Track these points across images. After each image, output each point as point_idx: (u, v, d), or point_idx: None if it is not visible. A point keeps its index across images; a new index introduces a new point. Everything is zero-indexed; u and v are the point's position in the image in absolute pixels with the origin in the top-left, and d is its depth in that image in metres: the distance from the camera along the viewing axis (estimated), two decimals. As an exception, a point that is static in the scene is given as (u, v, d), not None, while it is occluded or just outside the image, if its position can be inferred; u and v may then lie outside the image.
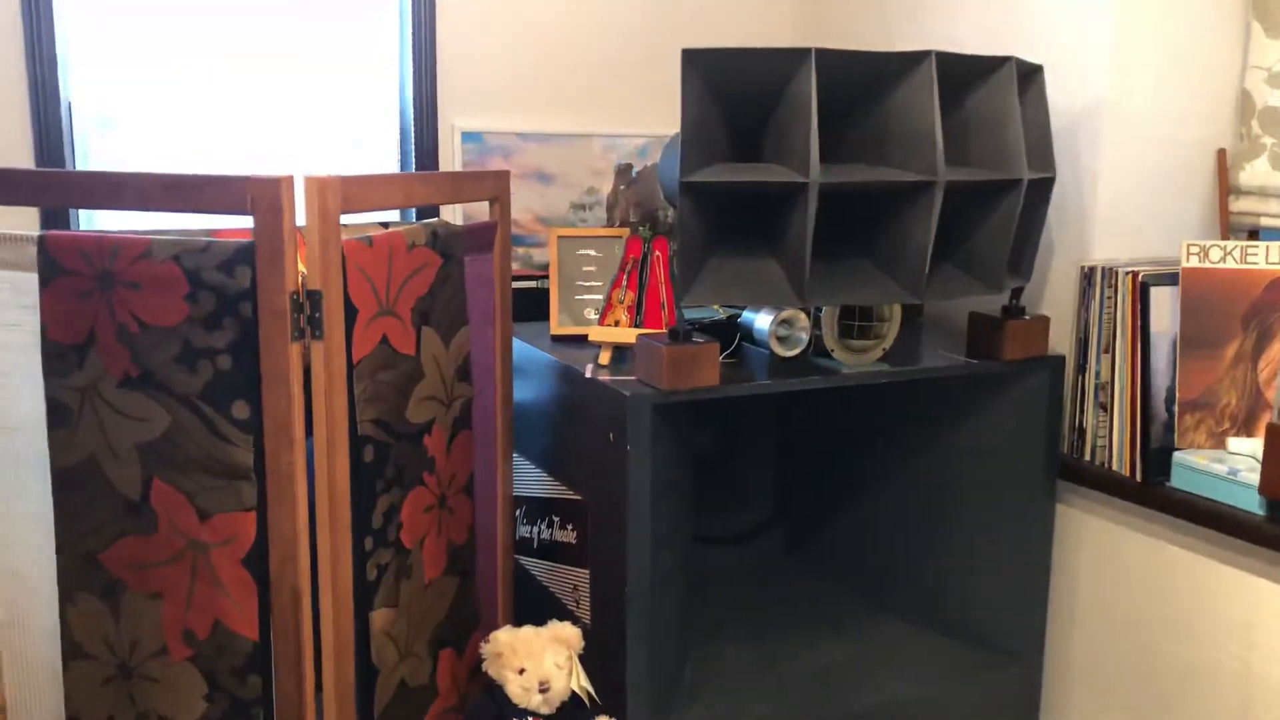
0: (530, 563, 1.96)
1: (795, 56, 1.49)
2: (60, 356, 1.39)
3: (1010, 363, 1.84)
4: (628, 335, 1.69)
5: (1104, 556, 1.92)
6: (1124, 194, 1.92)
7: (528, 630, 1.57)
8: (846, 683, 1.88)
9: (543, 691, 1.51)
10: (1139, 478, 1.81)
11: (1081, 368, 1.91)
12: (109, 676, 1.46)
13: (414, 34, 2.24)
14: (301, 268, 1.32)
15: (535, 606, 1.90)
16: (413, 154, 2.30)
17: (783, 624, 2.06)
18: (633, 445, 1.57)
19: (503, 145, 2.37)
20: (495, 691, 1.54)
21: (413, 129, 2.28)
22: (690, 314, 1.85)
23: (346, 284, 1.35)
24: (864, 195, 1.61)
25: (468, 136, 2.33)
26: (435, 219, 1.60)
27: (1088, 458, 1.91)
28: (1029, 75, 1.75)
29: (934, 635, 2.04)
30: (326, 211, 1.29)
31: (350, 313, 1.36)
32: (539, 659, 1.52)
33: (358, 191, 1.35)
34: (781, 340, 1.70)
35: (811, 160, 1.49)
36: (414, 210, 2.25)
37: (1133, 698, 1.88)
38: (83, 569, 1.44)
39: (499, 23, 2.33)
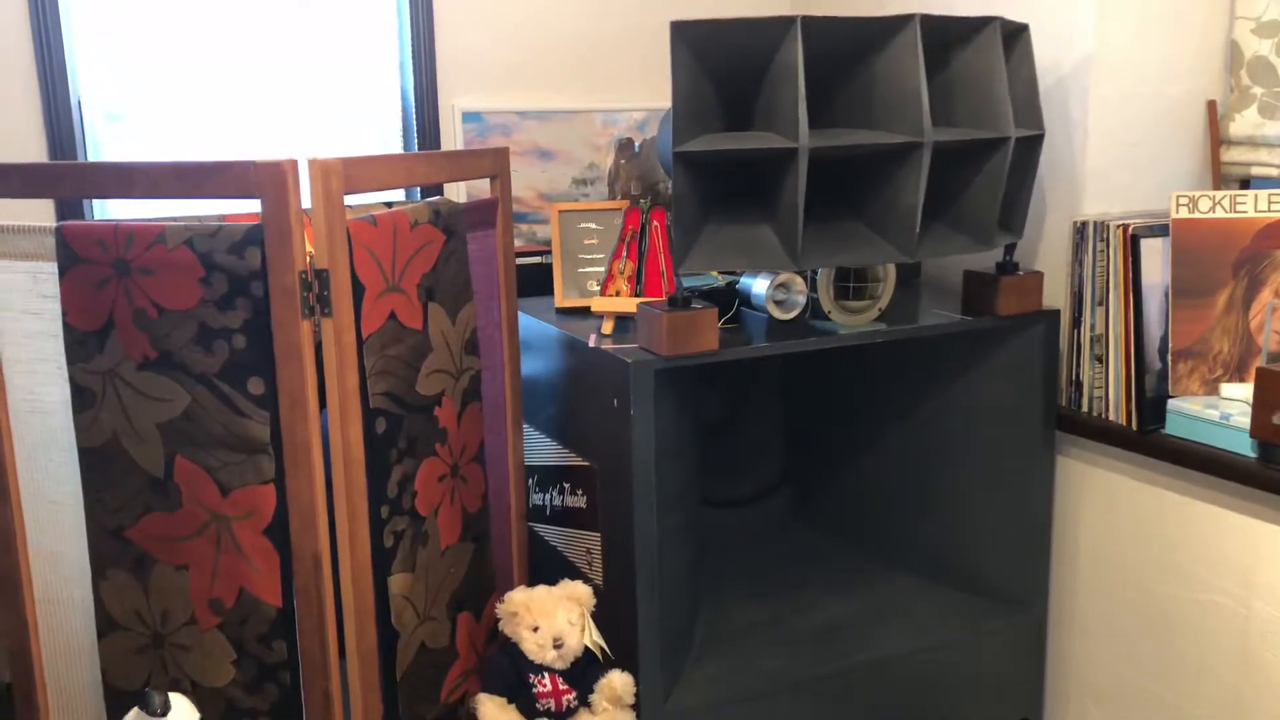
0: (544, 529, 2.02)
1: (781, 25, 1.53)
2: (81, 342, 1.45)
3: (1005, 318, 1.88)
4: (629, 304, 1.73)
5: (1104, 505, 1.96)
6: (1115, 148, 1.94)
7: (541, 590, 1.62)
8: (854, 637, 1.94)
9: (557, 647, 1.57)
10: (1135, 426, 1.85)
11: (1077, 321, 1.94)
12: (142, 646, 1.52)
13: (412, 17, 2.28)
14: (309, 247, 1.37)
15: (549, 570, 1.95)
16: (415, 135, 2.34)
17: (790, 582, 2.11)
18: (636, 410, 1.62)
19: (503, 124, 2.41)
20: (511, 649, 1.60)
21: (414, 111, 2.33)
22: (689, 282, 1.90)
23: (353, 262, 1.39)
24: (854, 158, 1.64)
25: (468, 116, 2.37)
26: (437, 197, 1.65)
27: (1085, 409, 1.95)
28: (1015, 34, 1.78)
29: (940, 588, 2.09)
30: (330, 193, 1.33)
31: (358, 290, 1.41)
32: (552, 617, 1.58)
33: (359, 172, 1.39)
34: (779, 304, 1.74)
35: (800, 126, 1.52)
36: (418, 190, 2.30)
37: (1136, 642, 1.92)
38: (112, 545, 1.50)
39: (496, 2, 2.37)
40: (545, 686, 1.59)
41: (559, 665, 1.58)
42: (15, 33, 1.95)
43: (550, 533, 2.00)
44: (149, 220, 1.43)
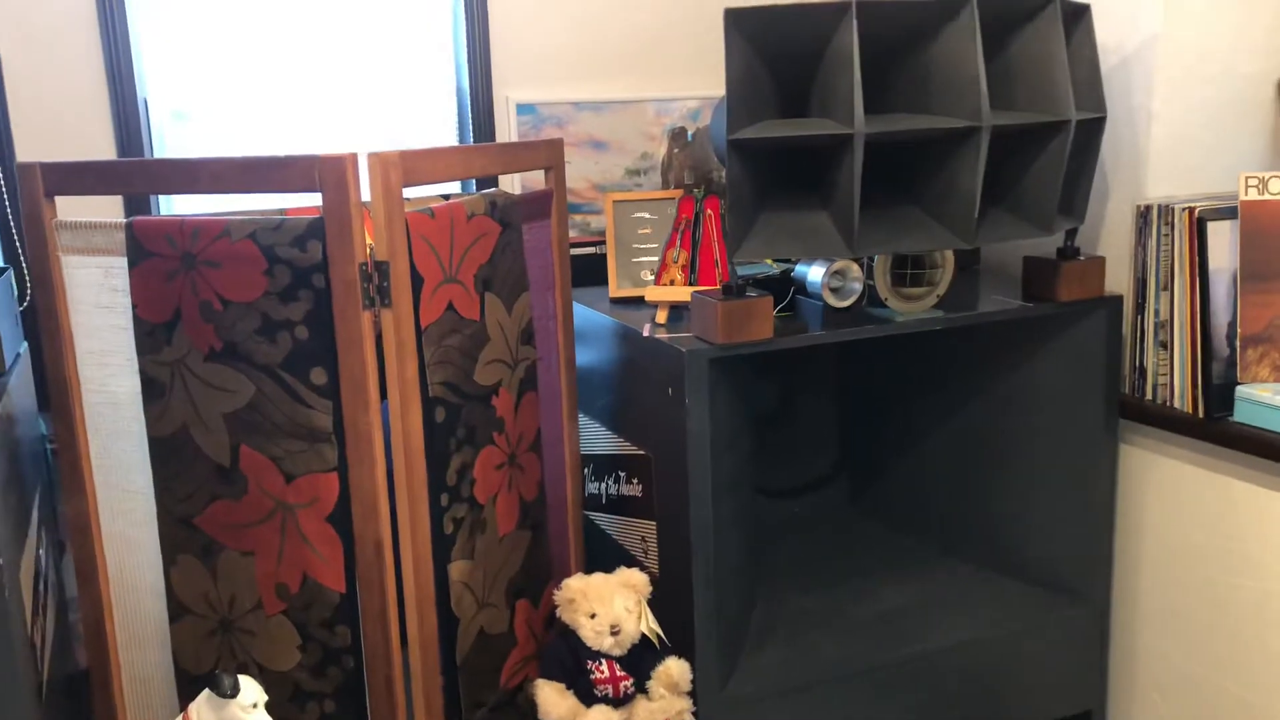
0: (600, 517, 2.03)
1: (837, 10, 1.52)
2: (150, 334, 1.49)
3: (1066, 304, 1.85)
4: (683, 293, 1.74)
5: (1169, 494, 1.92)
6: (1181, 131, 1.90)
7: (598, 577, 1.64)
8: (912, 626, 1.92)
9: (614, 634, 1.58)
10: (1201, 414, 1.81)
11: (1140, 307, 1.90)
12: (211, 630, 1.57)
13: (466, 11, 2.30)
14: (369, 240, 1.39)
15: (605, 559, 1.97)
16: (469, 128, 2.36)
17: (848, 571, 2.10)
18: (691, 399, 1.62)
19: (556, 115, 2.43)
20: (569, 636, 1.61)
21: (468, 103, 2.35)
22: (744, 270, 1.89)
23: (412, 254, 1.42)
24: (911, 144, 1.63)
25: (522, 109, 2.39)
26: (493, 189, 1.66)
27: (1149, 396, 1.91)
28: (1076, 14, 1.74)
29: (1000, 578, 2.06)
30: (389, 186, 1.35)
31: (416, 281, 1.43)
32: (609, 603, 1.59)
33: (418, 165, 1.41)
34: (835, 291, 1.73)
35: (855, 112, 1.51)
36: (474, 182, 2.32)
37: (1202, 633, 1.88)
38: (181, 532, 1.55)
39: (548, -7, 2.38)
40: (603, 673, 1.60)
41: (616, 652, 1.60)
42: (85, 36, 2.01)
43: (606, 521, 2.01)
44: (214, 215, 1.46)
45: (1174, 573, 1.93)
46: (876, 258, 1.74)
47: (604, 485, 1.99)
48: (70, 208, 1.53)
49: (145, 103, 2.10)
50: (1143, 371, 1.92)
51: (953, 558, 2.13)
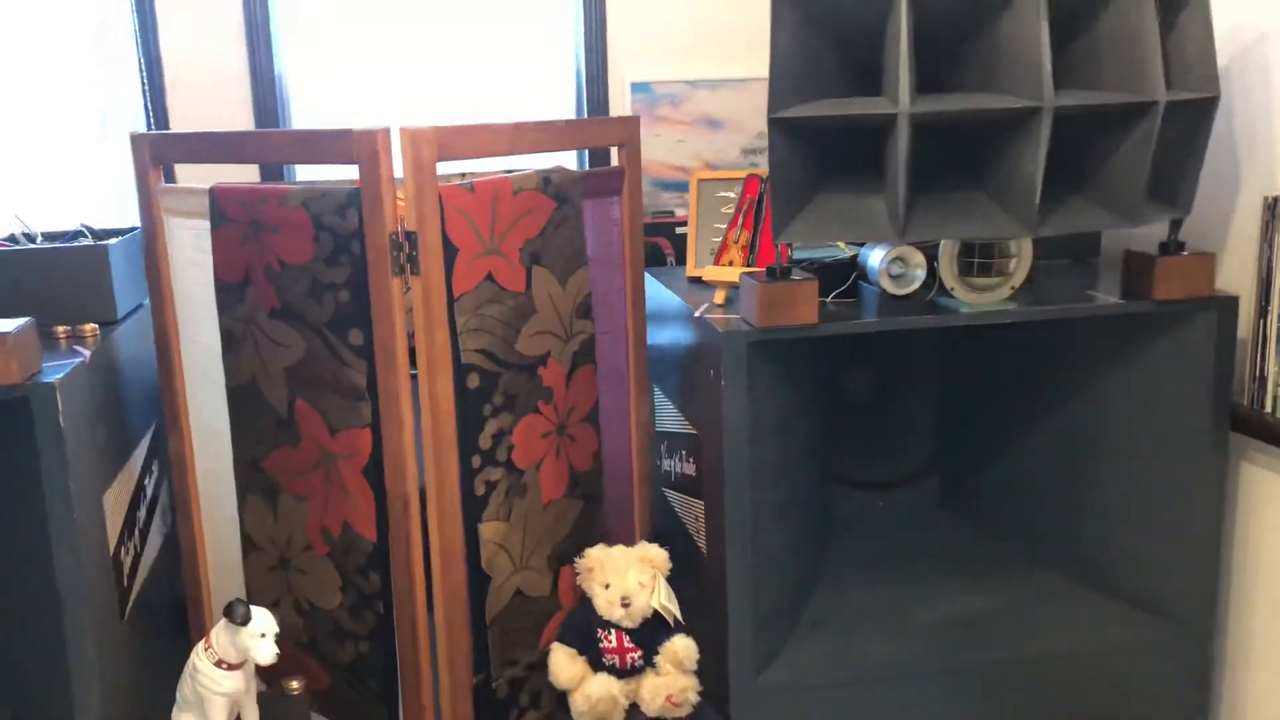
0: (671, 494, 2.05)
1: (889, -15, 1.46)
2: (228, 292, 1.64)
3: (1165, 303, 1.69)
4: (733, 274, 1.72)
5: (1288, 519, 1.74)
6: (1320, 115, 1.69)
7: (619, 549, 1.66)
8: (980, 634, 1.83)
9: (624, 606, 1.60)
10: (1321, 433, 1.62)
11: (1263, 310, 1.72)
12: (273, 565, 1.71)
13: (584, -9, 2.35)
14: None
15: (672, 536, 1.98)
16: (585, 105, 2.41)
17: (922, 571, 2.02)
18: (729, 381, 1.61)
19: (671, 94, 2.44)
20: (587, 604, 1.65)
21: (583, 82, 2.40)
22: (815, 254, 1.85)
23: (445, 225, 1.48)
24: (976, 125, 1.54)
25: (637, 87, 2.42)
26: (554, 166, 1.70)
27: (1269, 409, 1.73)
28: (1186, -13, 1.59)
29: (1088, 595, 1.92)
30: (420, 159, 1.42)
31: (450, 251, 1.50)
32: (624, 575, 1.61)
33: (455, 140, 1.48)
34: (895, 278, 1.67)
35: (901, 90, 1.45)
36: (587, 155, 2.37)
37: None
38: (251, 473, 1.70)
39: (666, -28, 2.39)
40: (611, 643, 1.62)
41: (627, 624, 1.62)
42: (230, 24, 2.21)
43: (675, 498, 2.02)
44: (285, 185, 1.58)
45: (1292, 607, 1.75)
46: (943, 244, 1.66)
47: (674, 463, 2.01)
48: (215, 178, 1.68)
49: (282, 85, 2.27)
50: (1263, 381, 1.74)
51: (1038, 568, 2.01)
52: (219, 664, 1.43)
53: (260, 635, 1.40)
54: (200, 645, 1.46)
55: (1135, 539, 1.88)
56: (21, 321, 1.41)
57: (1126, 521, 1.89)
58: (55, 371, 1.44)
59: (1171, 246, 1.70)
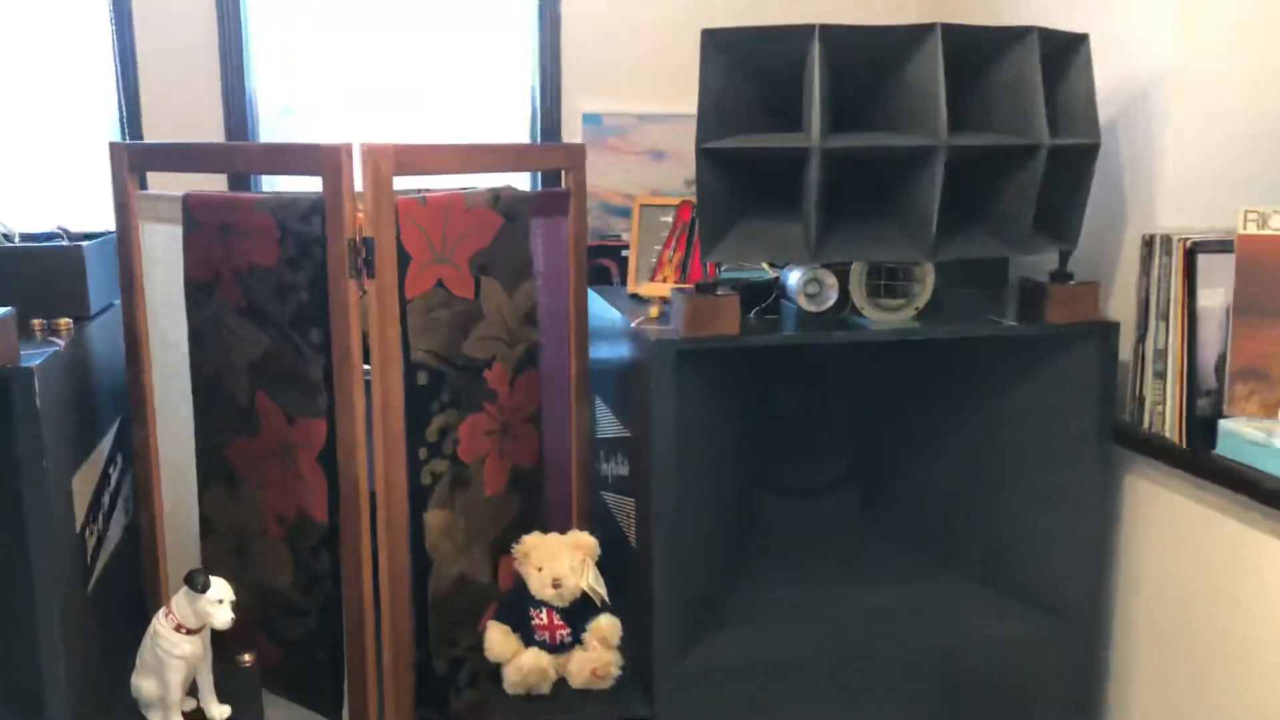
0: (608, 496, 2.19)
1: (804, 33, 1.64)
2: (197, 291, 1.77)
3: (1055, 326, 1.88)
4: (666, 290, 1.88)
5: (1164, 524, 1.91)
6: (1197, 163, 1.89)
7: (552, 536, 1.81)
8: (888, 627, 1.99)
9: (555, 587, 1.74)
10: (1185, 445, 1.80)
11: (1143, 336, 1.91)
12: (230, 548, 1.83)
13: (540, 27, 2.52)
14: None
15: (607, 533, 2.11)
16: (539, 134, 2.58)
17: (839, 572, 2.18)
18: (658, 386, 1.77)
19: (620, 126, 2.61)
20: (520, 585, 1.79)
21: (538, 111, 2.56)
22: (740, 274, 2.02)
23: (400, 234, 1.63)
24: (882, 161, 1.72)
25: (588, 118, 2.59)
26: (503, 185, 1.86)
27: (1146, 425, 1.91)
28: (1071, 45, 1.78)
29: (989, 593, 2.09)
30: (379, 173, 1.58)
31: (404, 258, 1.65)
32: (556, 560, 1.76)
33: (411, 158, 1.63)
34: (810, 297, 1.84)
35: (813, 128, 1.63)
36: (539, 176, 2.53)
37: (1191, 669, 1.86)
38: (213, 462, 1.82)
39: (620, 11, 2.56)
40: (542, 620, 1.76)
41: (557, 603, 1.76)
42: (204, 40, 2.35)
43: (611, 500, 2.17)
44: (254, 194, 1.72)
45: (1168, 605, 1.92)
46: (854, 267, 1.83)
47: (611, 466, 2.16)
48: (184, 185, 1.81)
49: (252, 98, 2.42)
50: (1141, 400, 1.93)
51: (946, 570, 2.17)
52: (178, 629, 1.55)
53: (218, 601, 1.52)
54: (161, 612, 1.58)
55: (1030, 542, 2.05)
56: (2, 311, 1.54)
57: (1023, 526, 2.06)
58: (34, 358, 1.56)
59: (1060, 275, 1.88)
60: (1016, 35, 1.69)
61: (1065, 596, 2.00)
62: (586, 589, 1.76)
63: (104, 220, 2.34)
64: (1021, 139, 1.69)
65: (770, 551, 2.27)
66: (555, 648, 1.77)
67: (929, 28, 1.63)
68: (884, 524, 2.38)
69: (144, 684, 1.60)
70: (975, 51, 1.70)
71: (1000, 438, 2.09)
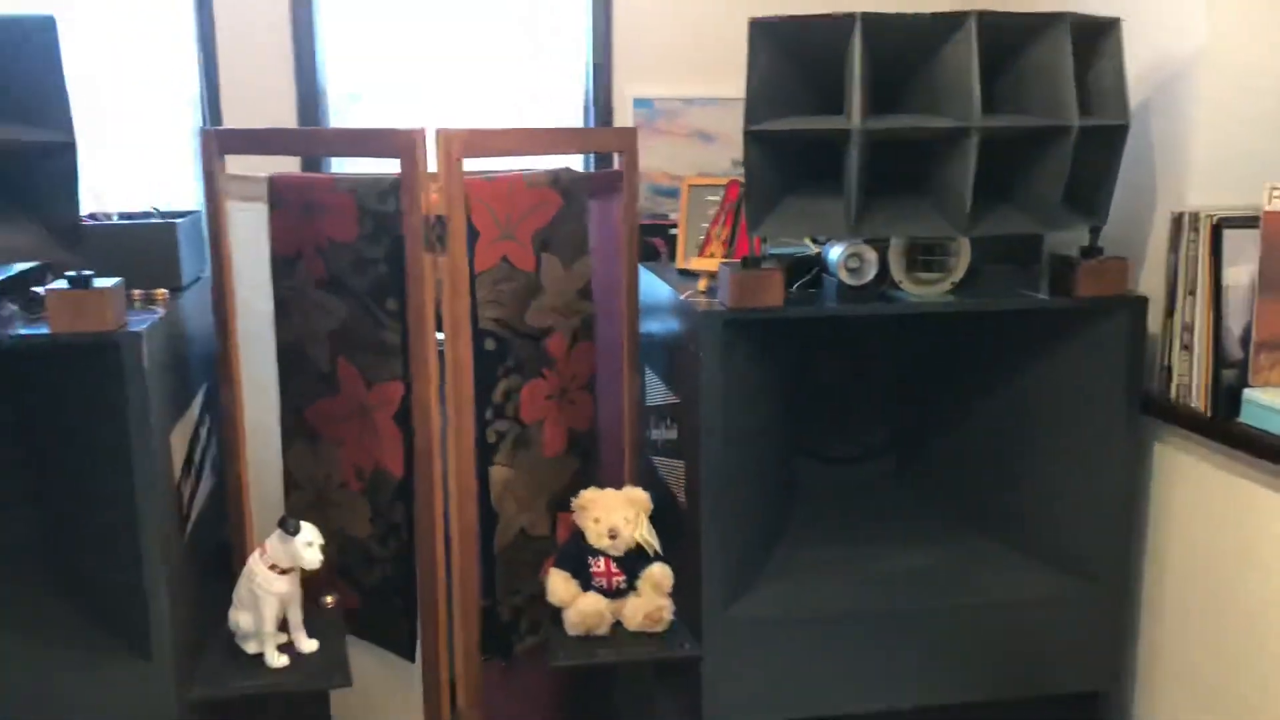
0: (657, 460, 2.33)
1: (846, 22, 1.74)
2: (281, 265, 1.92)
3: (1084, 300, 1.97)
4: (713, 264, 2.00)
5: (1190, 490, 2.00)
6: (1225, 141, 1.97)
7: (609, 490, 1.94)
8: (926, 584, 2.10)
9: (611, 537, 1.88)
10: (1210, 414, 1.89)
11: (1171, 310, 2.00)
12: (311, 502, 1.99)
13: (592, 12, 2.64)
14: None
15: (655, 495, 2.24)
16: (592, 118, 2.70)
17: (878, 534, 2.29)
18: (706, 354, 1.89)
19: (669, 110, 2.73)
20: (579, 536, 1.93)
21: (592, 96, 2.69)
22: (786, 250, 2.13)
23: (470, 212, 1.77)
24: (919, 141, 1.82)
25: (639, 103, 2.71)
26: (562, 166, 1.99)
27: (1173, 395, 2.00)
28: (1103, 28, 1.87)
29: (1022, 555, 2.19)
30: (450, 155, 1.71)
31: (473, 234, 1.79)
32: (612, 512, 1.89)
33: (481, 141, 1.76)
34: (851, 271, 1.95)
35: (854, 111, 1.73)
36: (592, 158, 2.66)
37: (1214, 631, 1.95)
38: (295, 422, 1.98)
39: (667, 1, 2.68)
40: (600, 568, 1.90)
41: (613, 552, 1.90)
42: (279, 29, 2.50)
43: (659, 463, 2.30)
44: (333, 174, 1.87)
45: (1194, 568, 2.02)
46: (891, 243, 1.94)
47: (660, 431, 2.29)
48: (258, 167, 1.96)
49: (323, 84, 2.57)
50: (1169, 372, 2.02)
51: (979, 533, 2.28)
52: (272, 568, 1.71)
53: (308, 543, 1.68)
54: (256, 553, 1.74)
55: (1061, 507, 2.15)
56: (114, 280, 1.70)
57: (1054, 492, 2.16)
58: (140, 323, 1.72)
59: (1090, 251, 1.98)
60: (1049, 20, 1.79)
61: (1095, 560, 2.10)
62: (640, 540, 1.90)
63: (179, 198, 2.51)
64: (1052, 120, 1.78)
65: (810, 514, 2.39)
66: (611, 593, 1.91)
67: (965, 15, 1.73)
68: (920, 490, 2.49)
69: (241, 618, 1.76)
70: (1009, 36, 1.80)
71: (1032, 407, 2.18)
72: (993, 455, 2.28)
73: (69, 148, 1.55)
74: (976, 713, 2.09)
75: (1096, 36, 1.87)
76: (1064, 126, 1.78)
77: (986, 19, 1.74)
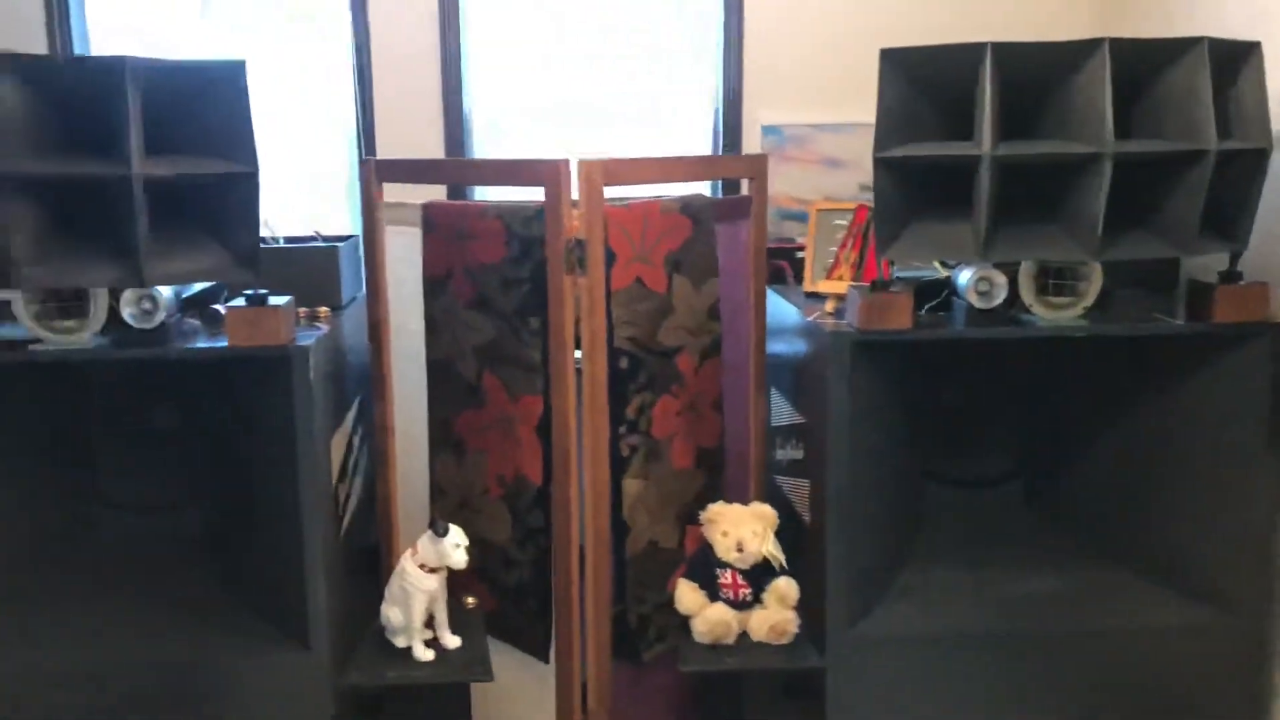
0: (781, 480, 2.38)
1: (977, 51, 1.78)
2: (433, 285, 2.06)
3: (1224, 326, 1.94)
4: (842, 287, 2.05)
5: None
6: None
7: (736, 505, 2.01)
8: (1050, 610, 2.09)
9: (739, 551, 1.94)
10: (1356, 444, 1.84)
11: (1322, 338, 1.95)
12: (455, 507, 2.12)
13: (724, 41, 2.73)
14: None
15: (780, 515, 2.29)
16: (720, 145, 2.78)
17: (1004, 558, 2.28)
18: (834, 375, 1.94)
19: (798, 136, 2.79)
20: (707, 548, 1.99)
21: (721, 124, 2.77)
22: (915, 273, 2.16)
23: (607, 236, 1.87)
24: (1050, 167, 1.84)
25: (767, 130, 2.78)
26: (693, 193, 2.08)
27: (1322, 426, 1.95)
28: (1243, 53, 1.86)
29: (1154, 585, 2.15)
30: (592, 184, 1.82)
31: (610, 257, 1.88)
32: (739, 527, 1.95)
33: (619, 170, 1.86)
34: (981, 295, 1.97)
35: (984, 138, 1.77)
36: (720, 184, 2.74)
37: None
38: (442, 432, 2.11)
39: (796, 29, 2.74)
40: (727, 580, 1.96)
41: (740, 565, 1.95)
42: (428, 62, 2.66)
43: (784, 482, 2.35)
44: (482, 201, 1.99)
45: (1339, 603, 1.96)
46: (1022, 266, 1.95)
47: (785, 451, 2.34)
48: (403, 194, 2.11)
49: (468, 115, 2.72)
50: (1316, 400, 1.96)
51: (1111, 562, 2.24)
52: (422, 567, 1.83)
53: (456, 545, 1.80)
54: (407, 553, 1.87)
55: (1198, 538, 2.11)
56: (286, 299, 1.86)
57: (1189, 521, 2.12)
58: (307, 338, 1.88)
59: (1230, 276, 1.95)
60: (1186, 45, 1.79)
61: (1232, 590, 2.05)
62: (767, 554, 1.96)
63: (331, 223, 2.69)
64: (1188, 144, 1.78)
65: (937, 537, 2.39)
66: (738, 604, 1.97)
67: (1097, 43, 1.74)
68: (1048, 517, 2.47)
69: (391, 613, 1.89)
70: (1144, 62, 1.80)
71: (1167, 435, 2.15)
72: (1124, 483, 2.25)
73: (251, 178, 1.71)
74: (1105, 741, 2.06)
75: (1236, 61, 1.86)
76: (1200, 150, 1.77)
77: (1119, 46, 1.75)
